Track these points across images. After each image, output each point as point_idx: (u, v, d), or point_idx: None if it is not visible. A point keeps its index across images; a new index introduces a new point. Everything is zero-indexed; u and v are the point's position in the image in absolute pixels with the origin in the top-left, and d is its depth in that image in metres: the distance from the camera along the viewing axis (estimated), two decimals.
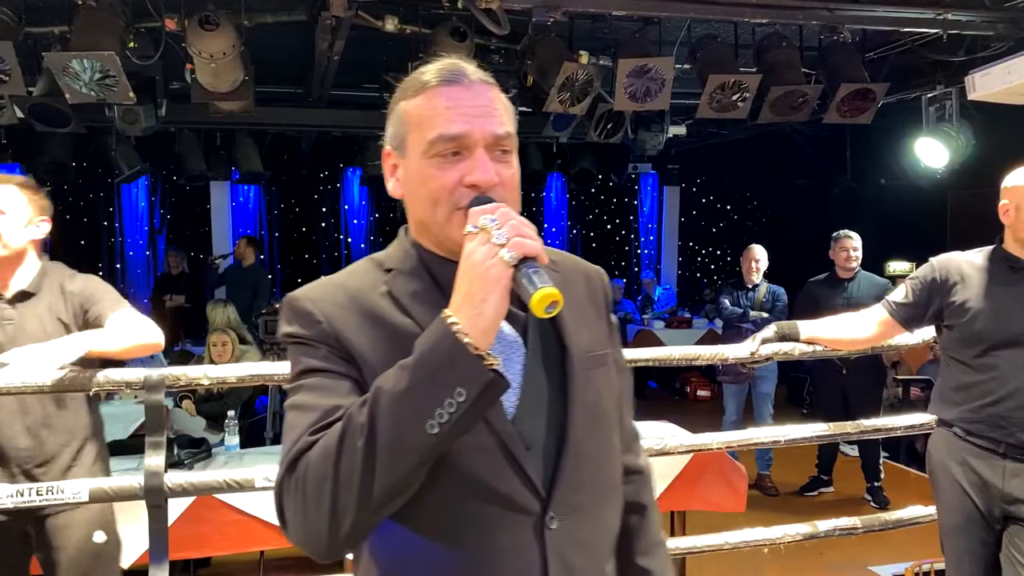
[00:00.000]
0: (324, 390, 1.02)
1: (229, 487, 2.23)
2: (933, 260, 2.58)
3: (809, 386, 7.20)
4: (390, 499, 0.96)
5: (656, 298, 9.69)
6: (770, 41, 4.73)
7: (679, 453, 2.89)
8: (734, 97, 4.62)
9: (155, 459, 2.23)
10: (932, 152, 5.40)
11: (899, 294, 2.59)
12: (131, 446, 3.40)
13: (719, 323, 6.43)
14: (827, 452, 5.37)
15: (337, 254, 9.78)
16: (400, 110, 1.11)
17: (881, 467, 5.22)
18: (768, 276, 5.56)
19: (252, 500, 2.88)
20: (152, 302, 7.86)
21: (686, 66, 4.81)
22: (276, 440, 4.17)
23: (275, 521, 3.14)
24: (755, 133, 7.93)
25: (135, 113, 5.07)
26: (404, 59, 4.74)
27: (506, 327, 1.08)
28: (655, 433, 2.94)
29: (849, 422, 2.73)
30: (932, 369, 6.07)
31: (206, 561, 3.87)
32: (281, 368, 2.36)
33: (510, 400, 1.06)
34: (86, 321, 2.29)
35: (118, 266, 9.37)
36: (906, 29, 4.34)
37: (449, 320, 0.94)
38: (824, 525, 2.65)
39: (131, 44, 4.08)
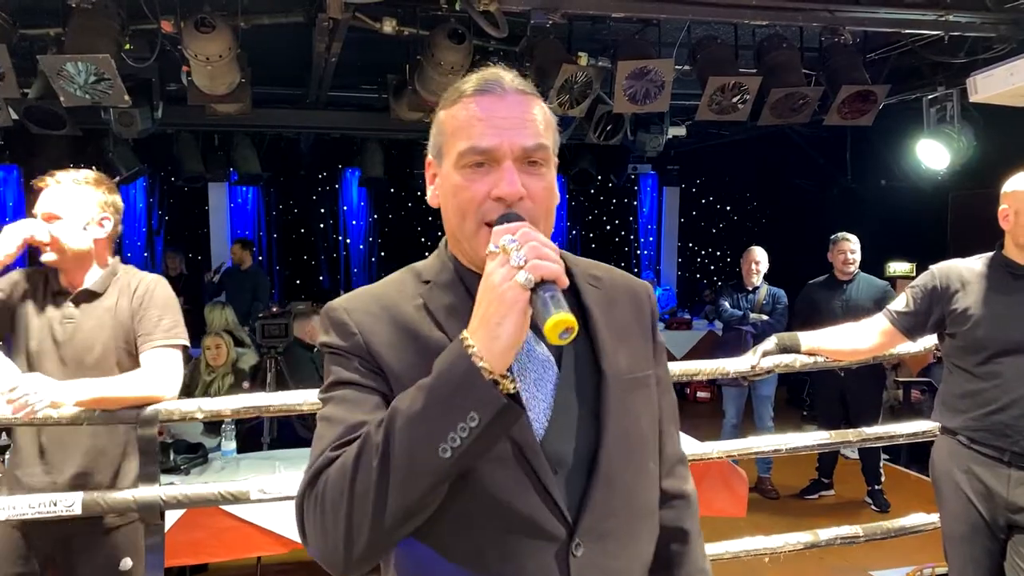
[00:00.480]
0: (351, 403, 1.02)
1: (224, 499, 2.20)
2: (933, 268, 2.56)
3: (809, 388, 7.18)
4: (405, 519, 0.94)
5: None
6: (770, 42, 4.70)
7: None
8: (734, 99, 4.59)
9: (150, 491, 2.21)
10: (933, 153, 5.38)
11: (900, 303, 2.57)
12: None
13: (719, 324, 6.40)
14: (827, 455, 5.36)
15: (336, 255, 9.74)
16: (439, 119, 1.10)
17: (882, 470, 5.22)
18: (768, 277, 5.54)
19: (249, 506, 2.86)
20: None
21: (686, 68, 4.78)
22: (273, 445, 4.16)
23: (271, 527, 3.13)
24: (755, 134, 7.90)
25: (131, 116, 5.05)
26: (402, 61, 4.72)
27: (540, 347, 1.07)
28: None
29: (851, 430, 2.70)
30: (934, 371, 6.05)
31: (203, 567, 3.86)
32: (275, 399, 2.33)
33: (540, 421, 1.05)
34: (134, 330, 2.26)
35: None
36: (907, 30, 4.30)
37: (466, 343, 0.93)
38: (826, 534, 2.62)
39: (126, 46, 4.04)
